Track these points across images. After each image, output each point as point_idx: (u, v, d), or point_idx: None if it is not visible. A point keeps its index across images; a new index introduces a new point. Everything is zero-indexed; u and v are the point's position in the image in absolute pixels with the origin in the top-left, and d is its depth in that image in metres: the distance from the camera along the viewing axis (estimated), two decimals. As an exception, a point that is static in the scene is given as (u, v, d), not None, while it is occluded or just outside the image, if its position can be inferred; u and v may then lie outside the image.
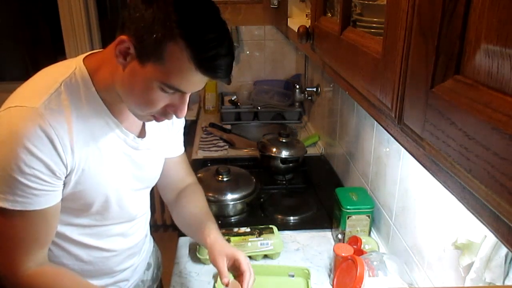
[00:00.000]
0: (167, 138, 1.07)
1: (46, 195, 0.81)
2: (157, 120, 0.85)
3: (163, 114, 0.83)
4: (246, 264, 0.99)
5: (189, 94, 0.82)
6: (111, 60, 0.80)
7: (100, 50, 0.90)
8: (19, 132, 0.75)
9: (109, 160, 0.89)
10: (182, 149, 1.16)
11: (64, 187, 0.84)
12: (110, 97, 0.85)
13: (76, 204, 0.89)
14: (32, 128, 0.75)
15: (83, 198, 0.88)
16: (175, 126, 1.09)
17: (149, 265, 1.22)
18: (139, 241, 1.10)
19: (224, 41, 0.74)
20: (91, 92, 0.83)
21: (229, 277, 0.98)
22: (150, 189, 1.09)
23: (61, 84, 0.81)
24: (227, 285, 0.96)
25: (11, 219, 0.80)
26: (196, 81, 0.77)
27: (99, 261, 0.99)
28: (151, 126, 0.99)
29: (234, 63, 0.80)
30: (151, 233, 1.24)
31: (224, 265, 0.98)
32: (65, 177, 0.83)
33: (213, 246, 1.01)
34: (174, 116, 0.86)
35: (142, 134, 0.97)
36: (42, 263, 0.87)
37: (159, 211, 2.95)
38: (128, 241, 1.05)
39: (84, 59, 0.86)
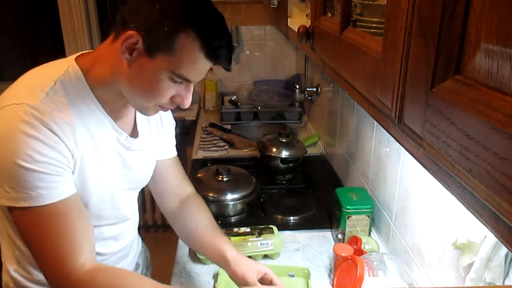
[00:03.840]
0: (158, 140, 1.06)
1: (67, 181, 0.80)
2: (164, 109, 0.89)
3: (170, 104, 0.86)
4: (278, 279, 1.01)
5: (193, 83, 0.85)
6: (108, 58, 0.82)
7: (90, 50, 0.91)
8: (22, 126, 0.74)
9: (104, 158, 0.89)
10: (175, 152, 1.15)
11: None
12: (104, 95, 0.86)
13: None
14: (36, 123, 0.75)
15: (80, 196, 0.86)
16: (165, 128, 1.08)
17: (137, 265, 1.21)
18: (128, 243, 1.09)
19: (225, 30, 0.81)
20: (86, 89, 0.84)
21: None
22: (139, 190, 1.08)
23: (55, 82, 0.81)
24: None
25: (45, 216, 0.78)
26: (202, 69, 0.82)
27: None
28: (143, 127, 1.00)
29: (234, 62, 0.85)
30: (141, 234, 1.24)
31: (255, 279, 0.99)
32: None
33: (238, 262, 1.01)
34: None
35: (134, 134, 0.97)
36: (94, 260, 0.84)
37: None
38: (119, 244, 1.04)
39: (75, 58, 0.86)
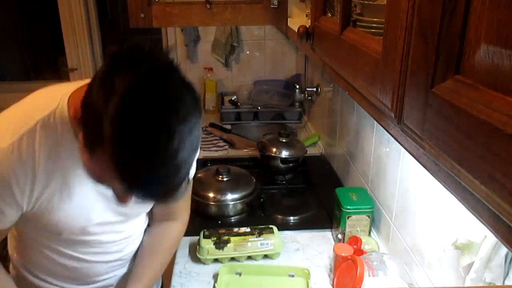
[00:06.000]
0: None
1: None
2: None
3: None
4: None
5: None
6: None
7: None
8: None
9: (81, 196, 0.86)
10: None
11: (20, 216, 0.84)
12: None
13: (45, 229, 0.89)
14: None
15: (49, 227, 0.87)
16: None
17: None
18: (137, 247, 1.09)
19: (156, 168, 0.61)
20: (69, 135, 0.79)
21: None
22: (139, 217, 1.05)
23: (36, 123, 0.77)
24: None
25: None
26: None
27: (82, 268, 1.00)
28: None
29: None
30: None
31: None
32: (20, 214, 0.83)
33: None
34: None
35: None
36: None
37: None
38: (126, 251, 1.05)
39: (72, 95, 0.80)
